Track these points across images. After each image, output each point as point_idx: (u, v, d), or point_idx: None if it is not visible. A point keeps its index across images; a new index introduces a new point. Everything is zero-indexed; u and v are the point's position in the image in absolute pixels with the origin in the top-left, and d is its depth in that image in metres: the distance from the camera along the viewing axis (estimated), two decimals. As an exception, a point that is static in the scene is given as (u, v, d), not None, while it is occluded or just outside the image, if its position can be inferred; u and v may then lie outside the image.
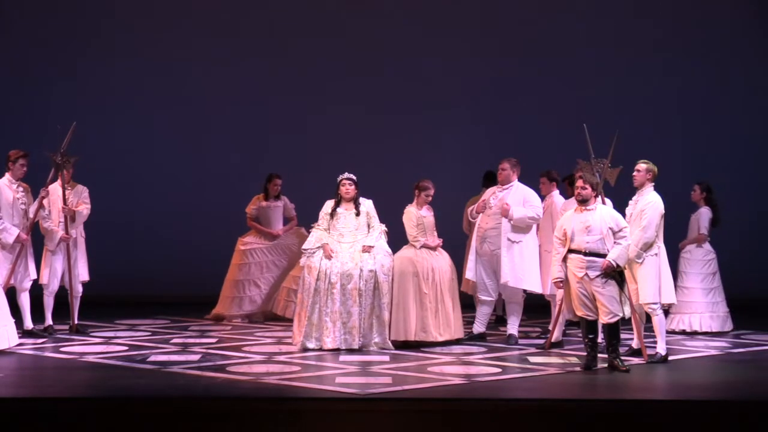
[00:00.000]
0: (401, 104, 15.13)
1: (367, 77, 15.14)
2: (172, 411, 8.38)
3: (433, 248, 11.37)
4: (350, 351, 10.83)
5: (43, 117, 14.29)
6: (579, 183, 10.06)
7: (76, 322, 11.99)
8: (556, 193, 11.77)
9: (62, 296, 12.00)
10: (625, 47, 15.19)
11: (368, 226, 11.37)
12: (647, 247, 10.30)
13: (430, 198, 11.46)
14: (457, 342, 11.26)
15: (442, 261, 11.38)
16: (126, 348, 11.06)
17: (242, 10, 15.29)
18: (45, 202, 11.64)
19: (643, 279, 10.33)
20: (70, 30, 15.10)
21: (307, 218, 11.92)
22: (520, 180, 11.63)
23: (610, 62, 15.17)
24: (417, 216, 11.35)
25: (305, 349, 10.89)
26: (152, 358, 10.44)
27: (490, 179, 12.51)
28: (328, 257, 11.14)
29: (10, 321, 10.68)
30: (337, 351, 10.82)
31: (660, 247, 10.39)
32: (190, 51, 15.13)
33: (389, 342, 11.01)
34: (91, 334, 11.92)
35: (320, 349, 10.88)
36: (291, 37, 15.28)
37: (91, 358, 10.48)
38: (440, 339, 11.17)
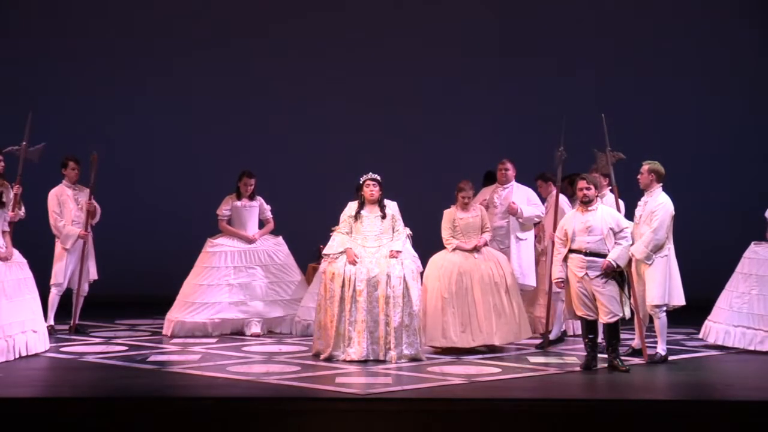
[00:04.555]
0: (400, 105, 15.14)
1: (366, 78, 15.16)
2: (172, 411, 8.37)
3: (469, 250, 11.05)
4: (377, 361, 10.24)
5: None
6: (582, 184, 10.04)
7: (76, 321, 12.01)
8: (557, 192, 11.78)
9: (64, 296, 12.02)
10: (623, 47, 15.23)
11: (392, 229, 10.76)
12: (657, 248, 10.23)
13: (466, 199, 11.07)
14: (493, 349, 10.85)
15: (482, 263, 10.95)
16: (126, 348, 11.05)
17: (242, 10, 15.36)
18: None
19: (652, 280, 10.25)
20: (60, 29, 15.16)
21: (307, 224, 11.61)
22: (518, 179, 11.97)
23: (610, 62, 15.19)
24: (452, 218, 11.08)
25: (329, 360, 10.25)
26: (152, 358, 10.44)
27: (490, 179, 12.53)
28: (352, 263, 10.46)
29: (42, 327, 10.71)
30: (363, 363, 10.19)
31: (670, 249, 10.32)
32: (190, 52, 15.19)
33: (422, 353, 10.39)
34: (91, 334, 11.93)
35: (345, 361, 10.22)
36: (288, 37, 15.32)
37: (91, 358, 10.48)
38: (470, 345, 10.73)
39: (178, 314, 11.90)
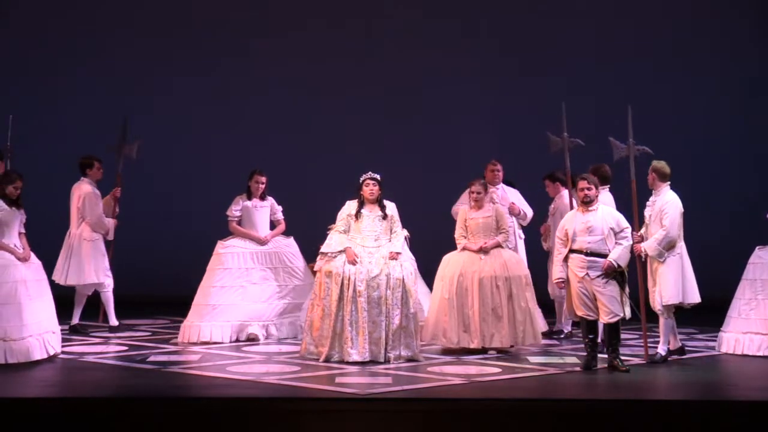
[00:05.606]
0: (400, 104, 15.15)
1: (366, 77, 15.17)
2: (172, 411, 8.37)
3: (475, 251, 10.89)
4: (375, 363, 10.13)
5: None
6: (582, 184, 10.04)
7: (77, 321, 12.01)
8: (565, 193, 11.75)
9: (68, 295, 12.01)
10: (625, 46, 15.24)
11: (390, 230, 10.63)
12: (670, 246, 10.21)
13: (474, 195, 10.93)
14: (485, 350, 10.69)
15: (486, 265, 10.77)
16: (126, 348, 11.06)
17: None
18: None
19: (665, 279, 10.24)
20: (65, 28, 15.22)
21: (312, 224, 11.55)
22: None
23: (611, 62, 15.20)
24: (464, 217, 11.00)
25: (328, 361, 10.17)
26: (152, 358, 10.44)
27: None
28: (353, 262, 10.36)
29: (58, 328, 10.69)
30: (362, 364, 10.08)
31: (682, 247, 10.30)
32: (199, 51, 15.24)
33: (419, 354, 10.33)
34: (91, 334, 11.93)
35: (343, 362, 10.13)
36: (294, 38, 15.34)
37: (91, 358, 10.48)
38: (469, 346, 10.62)
39: (194, 319, 11.53)
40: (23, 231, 10.47)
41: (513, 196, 11.96)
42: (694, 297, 10.34)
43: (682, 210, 10.32)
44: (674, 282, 10.23)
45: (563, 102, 11.38)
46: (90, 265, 11.94)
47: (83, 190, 12.01)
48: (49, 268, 11.73)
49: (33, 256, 10.45)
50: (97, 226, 12.01)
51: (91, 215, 11.97)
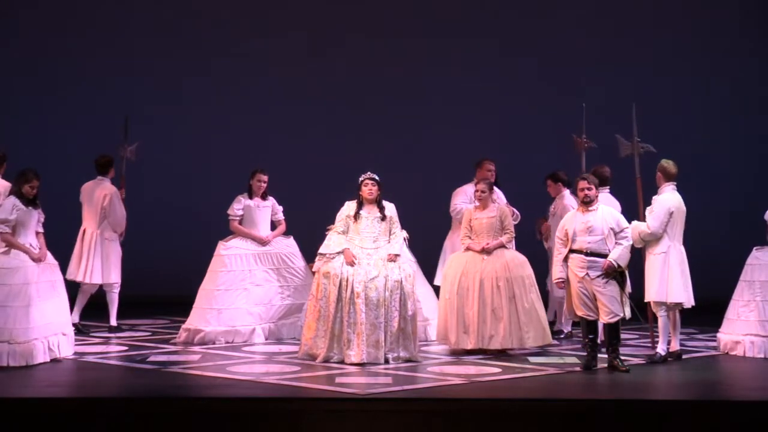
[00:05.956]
0: (399, 105, 15.15)
1: (366, 77, 15.17)
2: (172, 411, 8.38)
3: (478, 251, 10.83)
4: (374, 364, 10.06)
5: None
6: (582, 184, 10.04)
7: (77, 320, 12.01)
8: (567, 193, 11.73)
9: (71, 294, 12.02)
10: (626, 46, 15.24)
11: (389, 232, 10.59)
12: (651, 238, 10.23)
13: (478, 194, 10.90)
14: (484, 352, 10.62)
15: (488, 266, 10.70)
16: (126, 348, 11.06)
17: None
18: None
19: (649, 276, 10.28)
20: (69, 27, 15.23)
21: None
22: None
23: (612, 61, 15.20)
24: (469, 217, 10.96)
25: (327, 362, 10.13)
26: (152, 358, 10.44)
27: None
28: (351, 264, 10.32)
29: (70, 330, 10.65)
30: (361, 366, 10.03)
31: (670, 246, 10.28)
32: (199, 51, 15.24)
33: (417, 354, 10.29)
34: (91, 334, 11.92)
35: (343, 362, 10.11)
36: (294, 38, 15.34)
37: (91, 358, 10.48)
38: (467, 347, 10.58)
39: (197, 324, 11.41)
40: (41, 230, 10.40)
41: (501, 197, 11.92)
42: (678, 297, 10.29)
43: (672, 210, 10.27)
44: (658, 280, 10.24)
45: (583, 104, 11.27)
46: (113, 265, 12.06)
47: (108, 189, 12.05)
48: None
49: (50, 256, 10.41)
50: (118, 226, 12.10)
51: (114, 215, 12.04)
